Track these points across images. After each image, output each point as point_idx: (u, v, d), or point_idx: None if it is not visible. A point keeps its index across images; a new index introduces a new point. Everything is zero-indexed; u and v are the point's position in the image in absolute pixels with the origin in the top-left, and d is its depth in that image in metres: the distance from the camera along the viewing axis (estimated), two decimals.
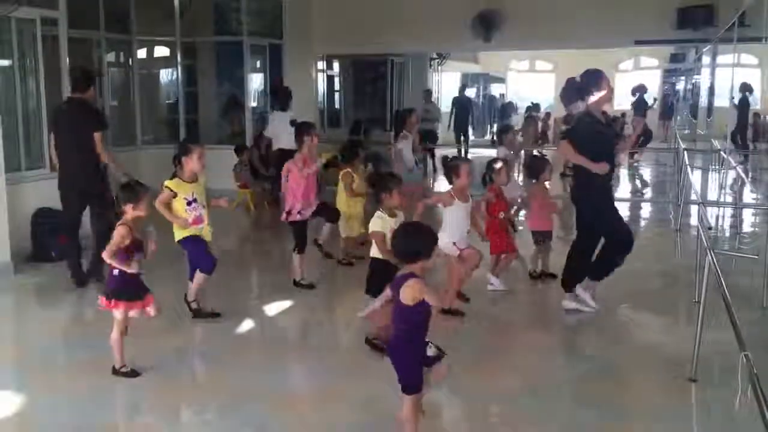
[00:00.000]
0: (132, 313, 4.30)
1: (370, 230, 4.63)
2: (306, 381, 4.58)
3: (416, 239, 3.25)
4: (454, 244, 5.25)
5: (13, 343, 5.38)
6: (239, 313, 5.65)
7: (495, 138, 8.68)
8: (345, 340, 5.41)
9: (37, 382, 4.42)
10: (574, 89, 5.43)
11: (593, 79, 5.32)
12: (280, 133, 9.64)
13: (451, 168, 5.44)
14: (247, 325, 5.51)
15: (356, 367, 4.63)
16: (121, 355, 4.35)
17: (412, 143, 8.35)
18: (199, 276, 5.35)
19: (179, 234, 5.25)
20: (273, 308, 5.90)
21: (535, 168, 6.60)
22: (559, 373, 4.72)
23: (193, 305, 5.42)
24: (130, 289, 4.28)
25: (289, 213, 6.25)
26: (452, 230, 5.31)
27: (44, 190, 7.43)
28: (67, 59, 8.06)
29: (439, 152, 15.34)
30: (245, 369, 4.62)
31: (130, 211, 4.27)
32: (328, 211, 6.79)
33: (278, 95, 10.51)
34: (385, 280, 4.39)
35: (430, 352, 3.32)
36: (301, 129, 6.43)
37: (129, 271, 4.18)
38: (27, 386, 4.37)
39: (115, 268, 4.21)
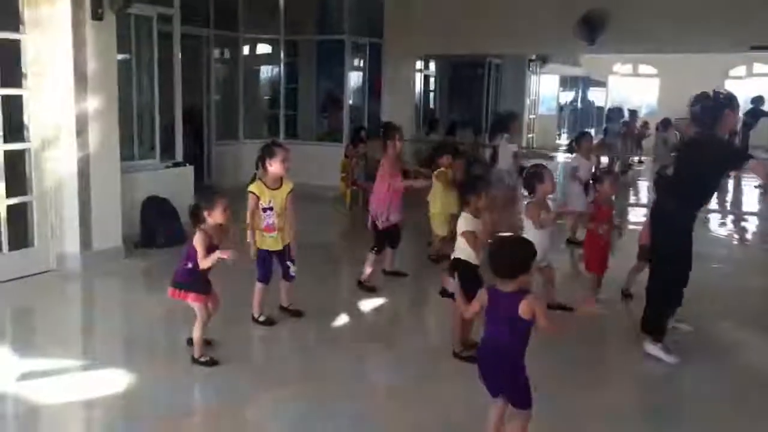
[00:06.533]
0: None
1: (460, 230, 4.61)
2: (392, 379, 4.57)
3: (517, 255, 3.14)
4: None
5: (118, 322, 5.67)
6: (330, 308, 5.74)
7: (571, 144, 8.40)
8: (432, 340, 5.41)
9: (138, 362, 4.62)
10: (709, 112, 4.95)
11: (731, 100, 4.93)
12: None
13: (533, 175, 5.22)
14: (339, 320, 5.59)
15: (442, 369, 4.62)
16: (201, 346, 4.49)
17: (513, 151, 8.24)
18: (257, 286, 5.21)
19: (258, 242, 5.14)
20: (365, 305, 5.96)
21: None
22: (655, 393, 4.56)
23: (260, 318, 5.25)
24: (198, 283, 4.42)
25: (375, 220, 6.24)
26: None
27: (154, 179, 7.83)
28: (180, 55, 8.43)
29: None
30: (335, 363, 4.70)
31: (208, 218, 4.33)
32: (395, 235, 6.40)
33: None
34: (469, 282, 4.39)
35: None
36: (386, 131, 6.33)
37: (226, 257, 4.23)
38: (129, 365, 4.57)
39: (188, 262, 4.36)
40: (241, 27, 11.70)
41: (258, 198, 4.99)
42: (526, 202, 5.34)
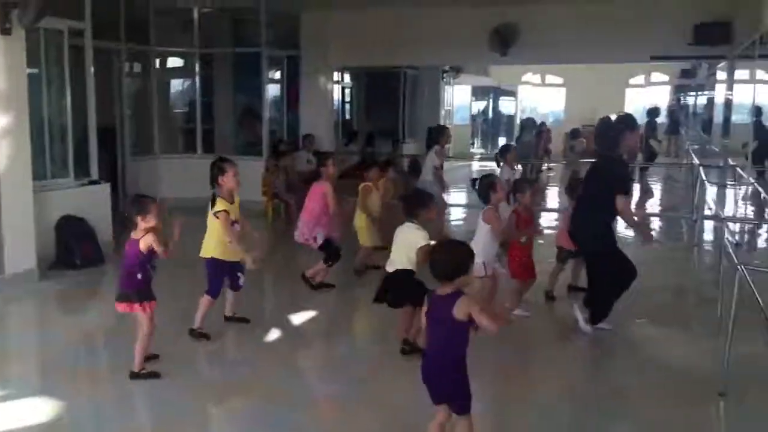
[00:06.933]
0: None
1: (420, 243, 4.62)
2: (334, 387, 4.60)
3: (457, 257, 3.24)
4: (484, 264, 5.19)
5: (38, 348, 5.43)
6: (267, 321, 5.76)
7: (497, 157, 8.65)
8: (370, 346, 5.49)
9: (62, 388, 4.41)
10: (610, 135, 5.50)
11: (630, 123, 5.56)
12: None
13: (488, 185, 5.48)
14: (275, 332, 5.58)
15: (383, 374, 4.72)
16: (143, 359, 4.44)
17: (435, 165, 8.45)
18: (204, 299, 5.23)
19: (207, 252, 5.21)
20: (298, 317, 5.96)
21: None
22: (584, 387, 4.77)
23: (200, 331, 5.24)
24: (151, 292, 4.42)
25: (314, 239, 6.44)
26: (485, 250, 5.25)
27: (69, 198, 7.55)
28: (92, 69, 8.17)
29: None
30: (274, 374, 4.70)
31: (141, 223, 4.32)
32: (331, 251, 6.54)
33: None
34: (408, 292, 4.65)
35: None
36: (319, 158, 6.80)
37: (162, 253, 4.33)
38: (52, 392, 4.36)
39: (138, 272, 4.34)
40: (153, 40, 11.43)
41: (228, 214, 5.10)
42: (484, 209, 5.47)
